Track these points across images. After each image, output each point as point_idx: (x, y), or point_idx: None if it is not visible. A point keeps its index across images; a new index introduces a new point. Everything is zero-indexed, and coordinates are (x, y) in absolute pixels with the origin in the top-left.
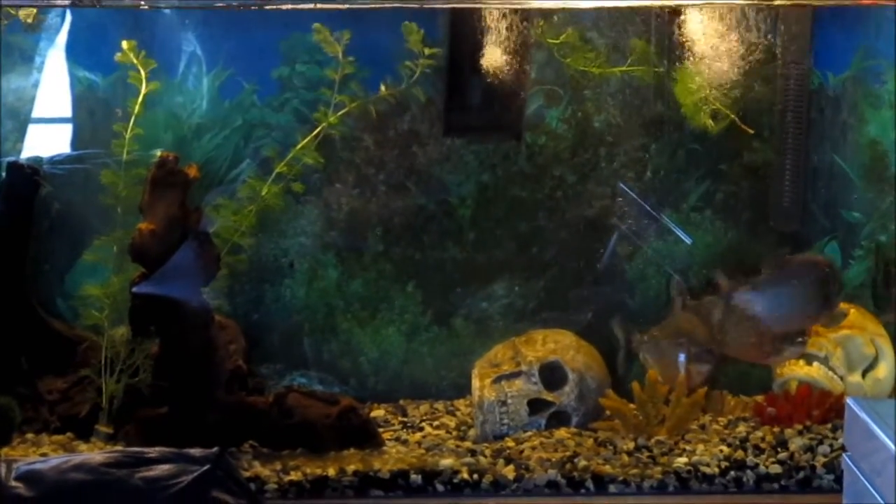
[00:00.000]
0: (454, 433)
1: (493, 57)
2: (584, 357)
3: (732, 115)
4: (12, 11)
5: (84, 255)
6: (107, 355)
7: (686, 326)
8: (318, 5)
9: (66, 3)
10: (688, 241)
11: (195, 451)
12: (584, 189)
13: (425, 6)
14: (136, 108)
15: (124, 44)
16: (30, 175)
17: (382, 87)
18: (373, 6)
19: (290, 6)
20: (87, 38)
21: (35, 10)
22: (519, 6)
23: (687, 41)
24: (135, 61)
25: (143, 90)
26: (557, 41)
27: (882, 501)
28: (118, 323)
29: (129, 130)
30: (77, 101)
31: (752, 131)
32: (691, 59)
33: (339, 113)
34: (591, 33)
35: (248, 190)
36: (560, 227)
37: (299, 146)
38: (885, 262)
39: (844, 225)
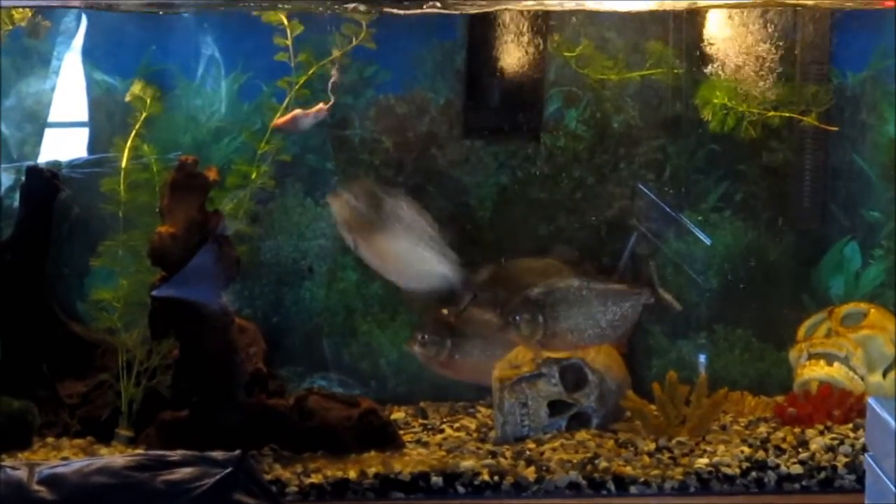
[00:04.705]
0: (474, 435)
1: (512, 59)
2: (605, 358)
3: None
4: (15, 15)
5: (91, 261)
6: (124, 358)
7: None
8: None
9: (58, 4)
10: (707, 241)
11: (217, 454)
12: (602, 190)
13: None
14: (137, 125)
15: (134, 84)
16: (49, 179)
17: (335, 51)
18: (393, 11)
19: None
20: (105, 42)
21: (28, 13)
22: (539, 7)
23: (706, 43)
24: (142, 96)
25: (144, 113)
26: (573, 54)
27: None
28: (130, 326)
29: (129, 140)
30: (95, 105)
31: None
32: (712, 62)
33: (304, 78)
34: (610, 33)
35: (237, 176)
36: (579, 228)
37: (275, 119)
38: None
39: (864, 224)
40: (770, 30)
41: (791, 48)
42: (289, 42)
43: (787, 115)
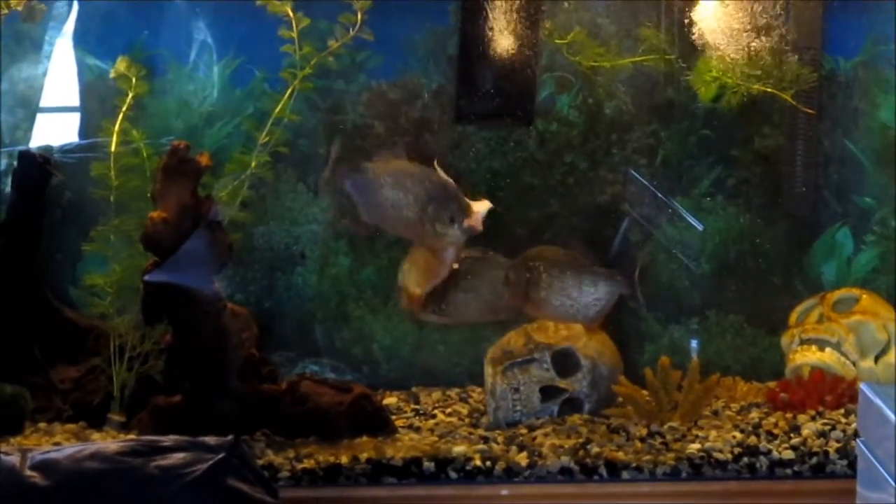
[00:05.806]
0: (467, 420)
1: (504, 43)
2: (597, 344)
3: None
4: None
5: (83, 247)
6: (117, 343)
7: None
8: None
9: None
10: (699, 227)
11: (210, 440)
12: (595, 175)
13: None
14: (124, 107)
15: (119, 61)
16: (41, 164)
17: (331, 42)
18: None
19: None
20: (97, 27)
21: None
22: None
23: (698, 27)
24: (126, 73)
25: (131, 94)
26: (565, 41)
27: None
28: (123, 311)
29: (117, 123)
30: (87, 90)
31: (812, 111)
32: (703, 45)
33: (307, 68)
34: (603, 19)
35: (237, 165)
36: (571, 214)
37: (277, 109)
38: None
39: (856, 210)
40: (762, 13)
41: (783, 33)
42: (294, 34)
43: (768, 90)
